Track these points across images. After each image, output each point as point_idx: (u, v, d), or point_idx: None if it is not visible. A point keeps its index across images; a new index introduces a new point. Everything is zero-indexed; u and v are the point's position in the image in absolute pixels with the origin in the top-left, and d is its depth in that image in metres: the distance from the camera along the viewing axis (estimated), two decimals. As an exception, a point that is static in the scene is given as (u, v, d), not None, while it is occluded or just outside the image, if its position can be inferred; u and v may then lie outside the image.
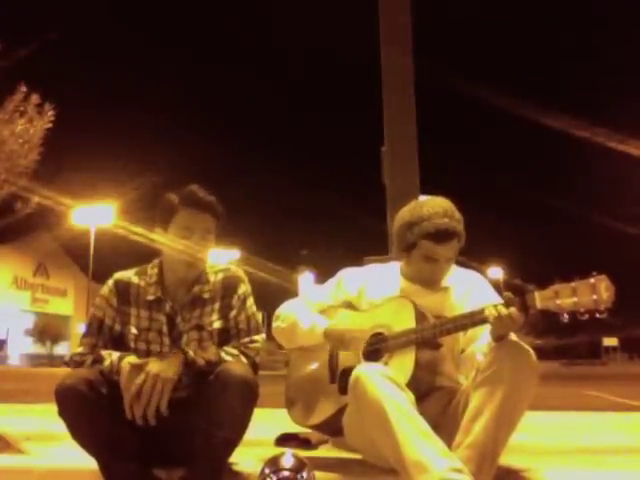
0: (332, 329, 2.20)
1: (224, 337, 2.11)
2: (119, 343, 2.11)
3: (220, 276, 2.18)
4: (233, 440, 1.89)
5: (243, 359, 2.04)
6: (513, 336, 1.92)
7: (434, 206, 2.11)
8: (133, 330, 2.10)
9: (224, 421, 1.84)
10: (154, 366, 1.91)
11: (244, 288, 2.19)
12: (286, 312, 2.35)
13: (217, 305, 2.14)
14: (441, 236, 2.07)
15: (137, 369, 1.92)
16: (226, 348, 2.05)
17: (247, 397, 1.88)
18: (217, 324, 2.12)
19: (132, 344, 2.09)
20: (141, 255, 2.29)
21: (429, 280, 2.18)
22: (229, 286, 2.17)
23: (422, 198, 2.23)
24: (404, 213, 2.19)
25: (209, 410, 1.85)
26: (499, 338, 1.89)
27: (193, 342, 2.07)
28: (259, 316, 2.23)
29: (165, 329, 2.10)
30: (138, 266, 2.22)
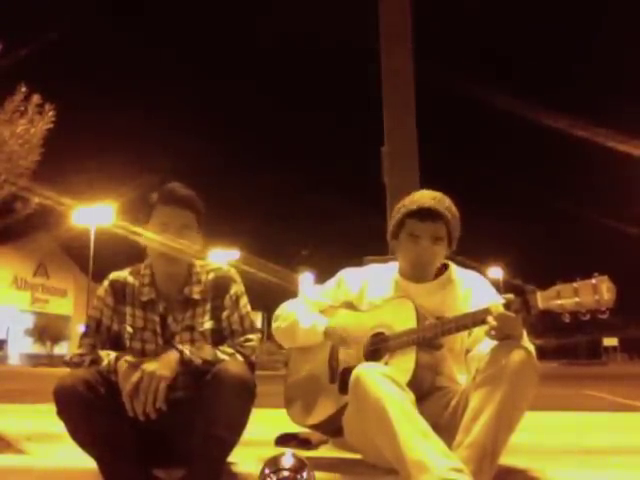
0: (332, 327, 2.21)
1: (217, 338, 2.12)
2: (117, 342, 2.12)
3: (211, 276, 2.18)
4: (231, 439, 1.89)
5: (239, 357, 2.04)
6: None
7: (426, 192, 2.20)
8: (129, 329, 2.12)
9: (221, 420, 1.84)
10: (150, 364, 1.92)
11: (236, 288, 2.18)
12: (286, 312, 2.36)
13: (208, 306, 2.14)
14: (424, 214, 2.12)
15: (133, 367, 1.93)
16: (221, 347, 2.05)
17: (244, 396, 1.89)
18: (208, 325, 2.12)
19: (128, 342, 2.11)
20: (141, 255, 2.29)
21: (415, 264, 2.18)
22: (220, 286, 2.17)
23: None
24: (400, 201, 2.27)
25: (206, 410, 1.85)
26: (503, 339, 1.89)
27: (186, 343, 2.07)
28: (254, 316, 2.23)
29: (159, 329, 2.11)
30: (134, 266, 2.23)
